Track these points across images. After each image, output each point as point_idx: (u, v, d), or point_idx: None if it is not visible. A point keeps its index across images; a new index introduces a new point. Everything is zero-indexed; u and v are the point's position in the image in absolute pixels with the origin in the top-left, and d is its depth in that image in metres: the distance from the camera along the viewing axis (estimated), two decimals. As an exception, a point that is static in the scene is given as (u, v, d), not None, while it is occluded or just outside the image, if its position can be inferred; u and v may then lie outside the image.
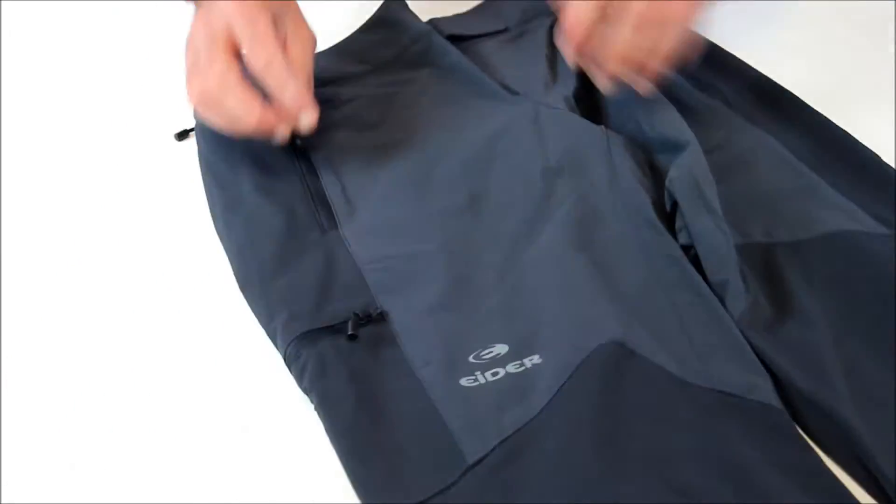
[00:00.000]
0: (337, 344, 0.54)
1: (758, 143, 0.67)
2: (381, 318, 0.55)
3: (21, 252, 0.64)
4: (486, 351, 0.53)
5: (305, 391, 0.53)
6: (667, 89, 0.68)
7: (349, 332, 0.53)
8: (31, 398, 0.55)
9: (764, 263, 0.58)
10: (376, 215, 0.62)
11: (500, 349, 0.53)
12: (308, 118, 0.62)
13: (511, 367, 0.52)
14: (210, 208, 0.65)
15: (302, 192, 0.64)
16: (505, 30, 0.81)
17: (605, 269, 0.57)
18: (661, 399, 0.49)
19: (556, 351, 0.52)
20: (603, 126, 0.65)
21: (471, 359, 0.53)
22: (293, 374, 0.53)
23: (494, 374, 0.52)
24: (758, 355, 0.53)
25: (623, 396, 0.49)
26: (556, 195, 0.62)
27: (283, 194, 0.64)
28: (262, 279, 0.58)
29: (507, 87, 0.72)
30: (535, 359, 0.52)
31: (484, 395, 0.51)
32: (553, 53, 0.76)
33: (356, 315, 0.55)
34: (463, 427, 0.49)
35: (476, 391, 0.51)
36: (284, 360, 0.54)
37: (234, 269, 0.61)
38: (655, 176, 0.63)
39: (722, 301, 0.55)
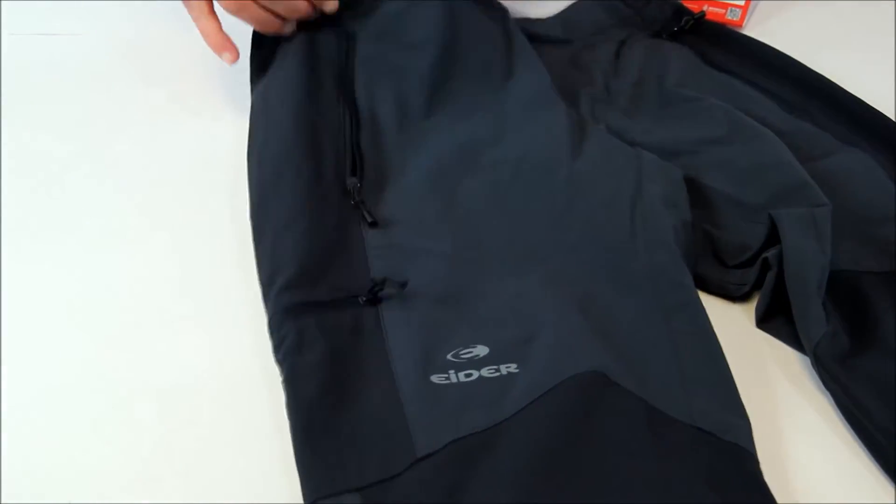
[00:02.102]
0: (322, 320, 0.53)
1: (852, 164, 0.65)
2: (394, 287, 0.54)
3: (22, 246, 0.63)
4: (467, 350, 0.51)
5: (278, 363, 0.52)
6: (755, 114, 0.68)
7: (365, 298, 0.54)
8: (31, 395, 0.54)
9: (848, 292, 0.57)
10: (399, 200, 0.61)
11: (481, 350, 0.51)
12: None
13: (486, 371, 0.50)
14: (249, 145, 0.66)
15: (340, 153, 0.64)
16: (568, 42, 0.80)
17: (606, 292, 0.55)
18: (632, 432, 0.47)
19: (536, 367, 0.50)
20: (638, 147, 0.63)
21: (449, 356, 0.51)
22: (271, 343, 0.53)
23: (468, 375, 0.50)
24: (832, 385, 0.52)
25: (592, 425, 0.47)
26: (576, 209, 0.60)
27: (322, 147, 0.64)
28: (274, 233, 0.58)
29: None
30: (513, 368, 0.50)
31: (451, 395, 0.49)
32: (614, 69, 0.75)
33: (373, 281, 0.54)
34: (421, 422, 0.48)
35: (444, 390, 0.50)
36: (268, 325, 0.54)
37: (251, 215, 0.61)
38: (713, 200, 0.62)
39: (796, 322, 0.54)
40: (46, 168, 0.70)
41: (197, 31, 0.71)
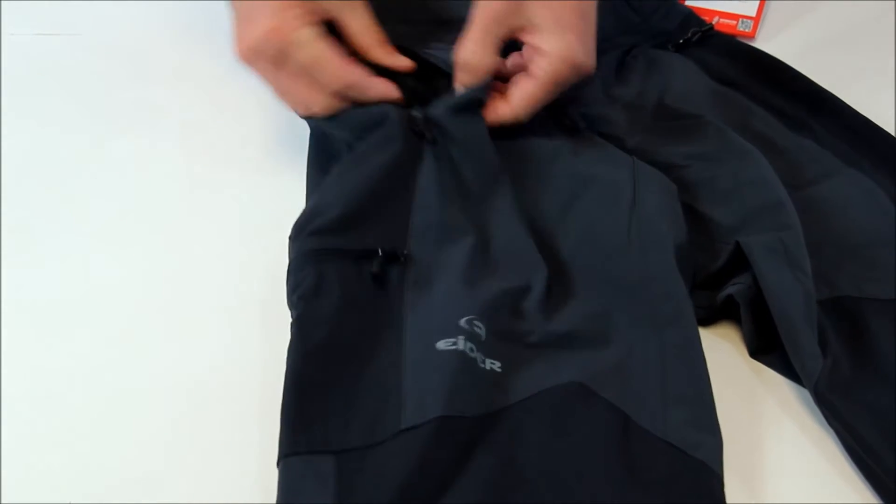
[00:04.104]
0: (344, 268, 0.53)
1: (852, 186, 0.63)
2: (406, 261, 0.54)
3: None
4: (478, 324, 0.50)
5: (290, 306, 0.52)
6: (755, 128, 0.67)
7: (373, 270, 0.52)
8: (31, 395, 0.54)
9: (850, 319, 0.55)
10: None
11: (483, 333, 0.50)
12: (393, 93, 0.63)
13: (479, 357, 0.49)
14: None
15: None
16: None
17: (601, 296, 0.55)
18: (605, 443, 0.47)
19: (518, 372, 0.50)
20: (633, 157, 0.62)
21: (462, 322, 0.50)
22: (287, 285, 0.53)
23: (471, 349, 0.49)
24: (835, 424, 0.50)
25: (568, 435, 0.47)
26: (575, 208, 0.59)
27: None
28: (325, 181, 0.58)
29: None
30: (496, 366, 0.50)
31: (451, 364, 0.48)
32: (614, 81, 0.74)
33: (384, 252, 0.53)
34: (416, 390, 0.48)
35: (446, 356, 0.49)
36: (288, 268, 0.53)
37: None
38: (692, 219, 0.60)
39: (790, 358, 0.52)
40: (47, 168, 0.70)
41: (198, 30, 0.70)
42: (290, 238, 0.55)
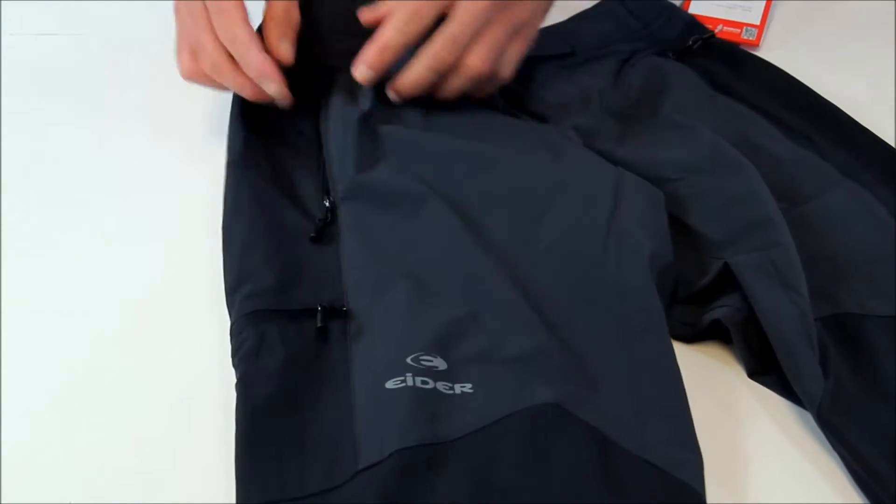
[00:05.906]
0: (285, 327, 0.52)
1: (853, 199, 0.62)
2: (346, 314, 0.53)
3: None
4: (427, 358, 0.50)
5: (234, 367, 0.51)
6: (754, 140, 0.66)
7: (318, 325, 0.52)
8: (30, 396, 0.53)
9: (853, 336, 0.54)
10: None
11: (440, 364, 0.50)
12: (270, 87, 0.63)
13: (441, 386, 0.49)
14: (227, 159, 0.65)
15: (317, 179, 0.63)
16: (570, 53, 0.78)
17: (573, 307, 0.54)
18: (581, 464, 0.46)
19: (490, 392, 0.49)
20: (619, 167, 0.61)
21: (409, 360, 0.50)
22: (231, 348, 0.52)
23: (424, 382, 0.48)
24: (841, 449, 0.49)
25: (542, 457, 0.46)
26: (549, 217, 0.58)
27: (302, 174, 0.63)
28: (243, 245, 0.57)
29: (538, 115, 0.70)
30: (467, 388, 0.49)
31: (403, 401, 0.47)
32: (612, 89, 0.73)
33: (323, 307, 0.52)
34: (369, 430, 0.47)
35: (398, 395, 0.48)
36: (230, 330, 0.53)
37: (223, 224, 0.60)
38: (682, 233, 0.59)
39: (790, 382, 0.51)
40: (47, 168, 0.70)
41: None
42: (226, 294, 0.55)
